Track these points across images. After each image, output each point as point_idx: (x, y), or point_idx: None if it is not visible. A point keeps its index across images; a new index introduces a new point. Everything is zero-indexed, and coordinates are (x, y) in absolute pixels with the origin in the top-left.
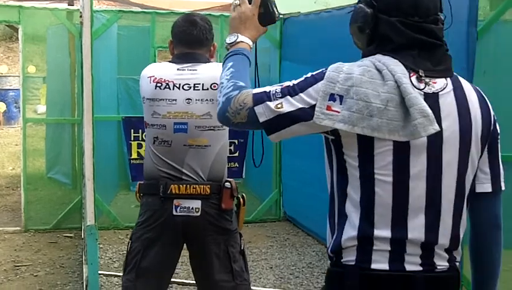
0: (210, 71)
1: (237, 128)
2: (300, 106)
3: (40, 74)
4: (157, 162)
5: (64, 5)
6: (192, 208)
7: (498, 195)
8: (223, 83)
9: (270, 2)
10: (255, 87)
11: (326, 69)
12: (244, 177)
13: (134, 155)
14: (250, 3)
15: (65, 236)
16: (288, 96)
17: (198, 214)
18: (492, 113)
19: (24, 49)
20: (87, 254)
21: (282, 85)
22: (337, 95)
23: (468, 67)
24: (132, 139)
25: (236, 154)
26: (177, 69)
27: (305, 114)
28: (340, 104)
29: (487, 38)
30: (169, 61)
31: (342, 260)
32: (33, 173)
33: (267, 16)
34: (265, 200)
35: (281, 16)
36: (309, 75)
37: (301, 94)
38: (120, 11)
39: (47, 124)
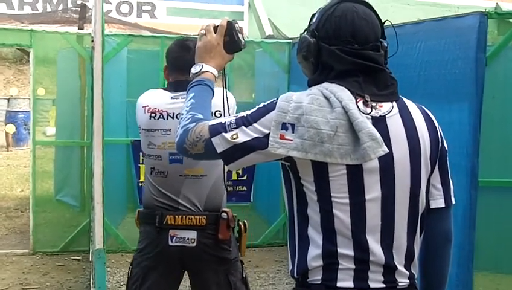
0: None
1: (196, 159)
2: (255, 135)
3: (50, 96)
4: (154, 192)
5: (74, 29)
6: (188, 239)
7: (450, 209)
8: (182, 114)
9: (235, 31)
10: (223, 109)
11: (277, 99)
12: (252, 201)
13: (142, 178)
14: (215, 33)
15: (73, 259)
16: (243, 127)
17: (194, 244)
18: (439, 131)
19: (34, 71)
20: (95, 277)
21: (236, 116)
22: (288, 124)
23: (477, 92)
24: (141, 162)
25: (245, 177)
26: (171, 98)
27: (260, 143)
28: (293, 132)
29: (496, 63)
30: (164, 89)
31: (307, 280)
32: (42, 195)
33: (232, 44)
34: (273, 224)
35: (246, 42)
36: (261, 105)
37: (255, 124)
38: (130, 35)
39: (56, 146)
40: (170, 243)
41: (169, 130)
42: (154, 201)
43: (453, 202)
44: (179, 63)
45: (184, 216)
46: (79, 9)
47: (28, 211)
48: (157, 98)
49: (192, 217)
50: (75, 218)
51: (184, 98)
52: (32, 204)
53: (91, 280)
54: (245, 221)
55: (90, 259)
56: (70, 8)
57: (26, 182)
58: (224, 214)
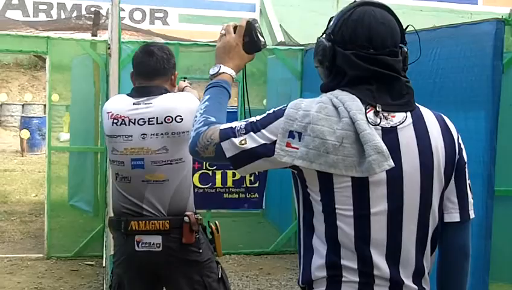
0: (164, 104)
1: (208, 161)
2: (263, 142)
3: (63, 102)
4: (120, 198)
5: (88, 35)
6: (154, 244)
7: (466, 224)
8: (196, 116)
9: (255, 31)
10: (244, 112)
11: (286, 106)
12: (264, 208)
13: None
14: (235, 33)
15: (86, 264)
16: (252, 133)
17: (160, 249)
18: (457, 142)
19: (50, 78)
20: (109, 283)
21: (247, 121)
22: (295, 132)
23: (493, 100)
24: None
25: (257, 184)
26: (133, 104)
27: (267, 150)
28: (299, 141)
29: None
30: (128, 94)
31: None
32: (55, 200)
33: (251, 44)
34: (285, 232)
35: (266, 44)
36: (271, 111)
37: (263, 130)
38: (144, 42)
39: (70, 152)
40: (137, 249)
41: (131, 135)
42: (120, 207)
43: (472, 216)
44: (142, 68)
45: (148, 221)
46: (93, 16)
47: (42, 216)
48: (119, 104)
49: (156, 222)
50: (89, 223)
51: (146, 103)
52: (47, 209)
53: (104, 285)
54: (216, 222)
55: (104, 264)
56: (84, 14)
57: (40, 187)
58: (186, 218)
